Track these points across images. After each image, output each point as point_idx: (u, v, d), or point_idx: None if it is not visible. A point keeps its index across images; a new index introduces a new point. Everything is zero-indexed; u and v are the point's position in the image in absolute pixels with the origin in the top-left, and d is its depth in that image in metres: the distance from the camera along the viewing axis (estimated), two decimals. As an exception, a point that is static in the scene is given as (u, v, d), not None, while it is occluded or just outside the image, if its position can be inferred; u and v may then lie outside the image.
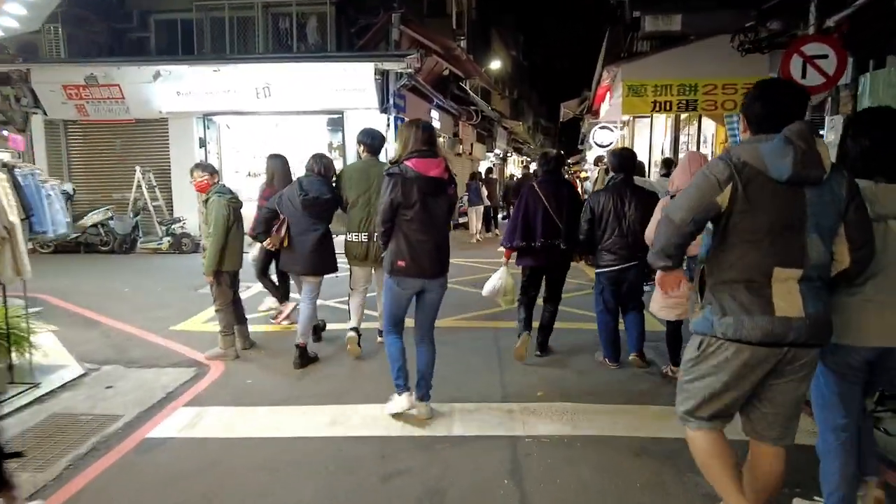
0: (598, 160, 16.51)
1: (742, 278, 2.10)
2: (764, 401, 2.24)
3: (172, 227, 11.72)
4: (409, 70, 11.15)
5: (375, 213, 3.76)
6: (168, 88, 11.60)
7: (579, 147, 33.24)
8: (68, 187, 11.67)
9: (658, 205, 3.93)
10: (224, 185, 5.15)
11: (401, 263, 3.44)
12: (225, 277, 4.91)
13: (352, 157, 11.73)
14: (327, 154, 5.69)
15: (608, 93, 11.37)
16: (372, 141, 4.79)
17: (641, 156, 9.20)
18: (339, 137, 11.78)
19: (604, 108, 12.70)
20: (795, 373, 2.16)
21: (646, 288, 5.13)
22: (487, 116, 20.40)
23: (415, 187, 3.37)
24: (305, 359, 4.70)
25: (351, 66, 10.98)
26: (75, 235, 11.64)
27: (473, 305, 6.79)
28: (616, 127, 11.62)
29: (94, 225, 11.73)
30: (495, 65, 23.77)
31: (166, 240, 11.68)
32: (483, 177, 15.39)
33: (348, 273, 5.05)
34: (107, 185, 12.65)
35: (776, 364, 2.13)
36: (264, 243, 4.94)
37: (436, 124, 15.26)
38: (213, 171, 5.16)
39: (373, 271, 4.92)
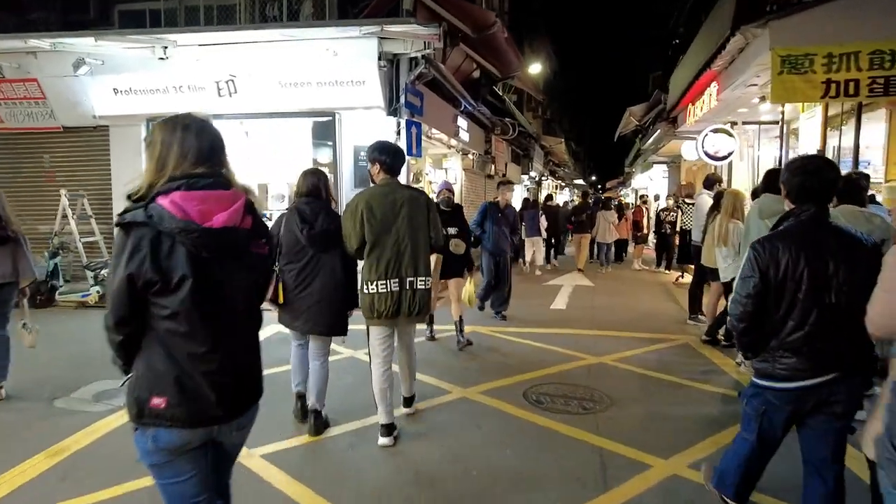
0: (681, 189, 12.97)
1: None
2: None
3: (104, 271, 8.54)
4: (429, 51, 7.90)
5: (408, 252, 3.57)
6: (102, 85, 8.55)
7: (626, 168, 29.75)
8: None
9: (888, 261, 1.96)
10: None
11: (157, 402, 1.77)
12: None
13: (347, 179, 8.43)
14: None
15: (713, 82, 7.90)
16: (391, 159, 3.77)
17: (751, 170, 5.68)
18: (328, 150, 8.51)
19: (696, 110, 9.19)
20: None
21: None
22: (525, 131, 17.06)
23: (181, 251, 1.70)
24: (321, 421, 3.91)
25: (344, 44, 7.75)
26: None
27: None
28: (736, 131, 8.12)
29: (-2, 269, 8.60)
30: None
31: (95, 290, 8.50)
32: (542, 204, 13.81)
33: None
34: (32, 215, 9.62)
35: None
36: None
37: (463, 136, 11.93)
38: None
39: (392, 332, 3.83)
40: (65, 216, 8.92)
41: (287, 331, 4.04)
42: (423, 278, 3.69)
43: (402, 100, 8.28)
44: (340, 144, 8.40)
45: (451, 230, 6.01)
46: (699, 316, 7.67)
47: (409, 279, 3.61)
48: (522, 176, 21.30)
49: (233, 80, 8.22)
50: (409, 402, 4.31)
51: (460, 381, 5.04)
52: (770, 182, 4.94)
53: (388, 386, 3.75)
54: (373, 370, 3.78)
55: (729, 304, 2.83)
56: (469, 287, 6.33)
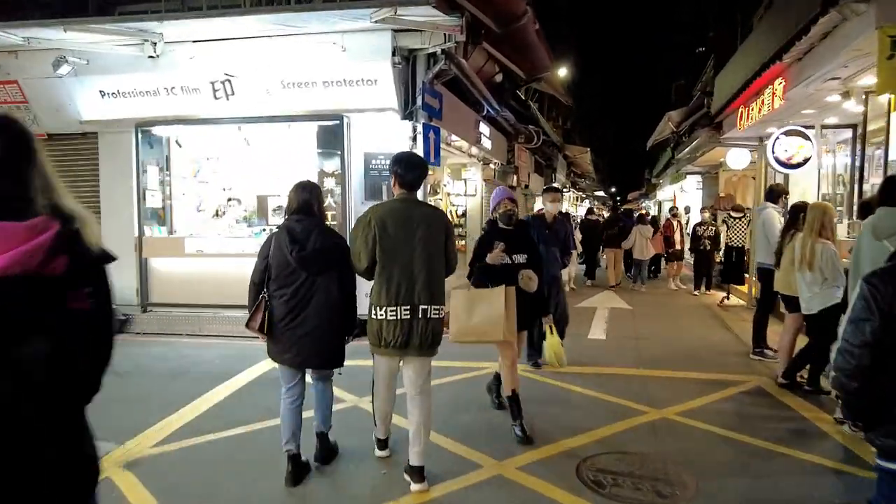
0: (721, 202, 11.88)
1: None
2: None
3: (86, 294, 7.64)
4: (450, 45, 6.94)
5: (422, 277, 3.26)
6: (87, 86, 7.72)
7: (653, 180, 28.53)
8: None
9: None
10: None
11: None
12: None
13: (356, 190, 7.48)
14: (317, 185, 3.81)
15: (778, 79, 6.82)
16: (408, 172, 3.41)
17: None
18: (335, 159, 7.55)
19: (751, 113, 8.10)
20: None
21: None
22: (549, 140, 16.03)
23: None
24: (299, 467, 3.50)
25: (354, 38, 6.82)
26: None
27: None
28: (815, 134, 6.98)
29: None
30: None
31: (76, 314, 7.59)
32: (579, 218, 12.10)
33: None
34: (16, 230, 8.79)
35: None
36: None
37: (486, 143, 10.94)
38: None
39: (400, 363, 3.46)
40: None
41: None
42: (438, 307, 3.38)
43: (419, 101, 7.33)
44: (349, 151, 7.44)
45: (518, 257, 4.23)
46: (765, 350, 6.54)
47: (422, 307, 3.29)
48: (542, 187, 20.28)
49: (230, 80, 7.33)
50: (419, 473, 3.38)
51: (492, 448, 3.96)
52: (890, 192, 3.89)
53: (390, 409, 3.67)
54: (375, 394, 3.62)
55: (834, 354, 1.95)
56: (554, 340, 4.69)
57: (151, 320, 7.78)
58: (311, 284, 3.41)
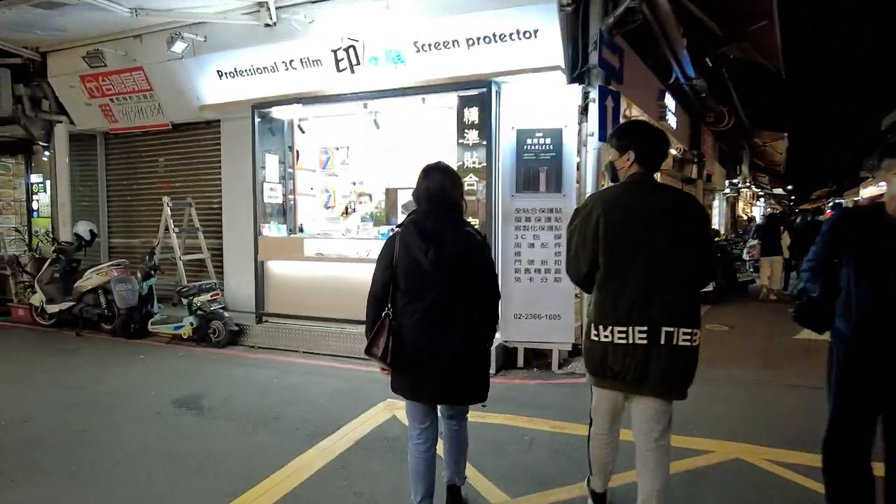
0: None
1: None
2: None
3: (199, 297, 6.79)
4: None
5: (666, 287, 2.42)
6: (205, 67, 6.88)
7: (865, 173, 23.05)
8: (82, 228, 7.73)
9: None
10: None
11: None
12: None
13: (507, 178, 5.72)
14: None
15: None
16: (647, 142, 2.62)
17: None
18: (477, 138, 5.82)
19: None
20: None
21: None
22: (740, 122, 12.99)
23: None
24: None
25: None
26: (69, 305, 7.39)
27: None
28: None
29: (94, 290, 7.32)
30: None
31: (189, 321, 6.78)
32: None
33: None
34: (150, 230, 8.39)
35: None
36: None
37: (670, 121, 8.61)
38: None
39: (624, 400, 2.66)
40: (167, 228, 7.43)
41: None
42: (689, 331, 2.43)
43: (594, 59, 5.39)
44: (496, 129, 5.70)
45: None
46: None
47: (665, 329, 2.41)
48: (725, 181, 17.01)
49: (353, 47, 5.97)
50: None
51: None
52: None
53: (613, 458, 2.83)
54: (592, 437, 2.83)
55: None
56: None
57: (265, 333, 6.72)
58: (451, 296, 2.65)
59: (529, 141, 5.55)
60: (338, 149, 7.53)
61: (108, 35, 7.16)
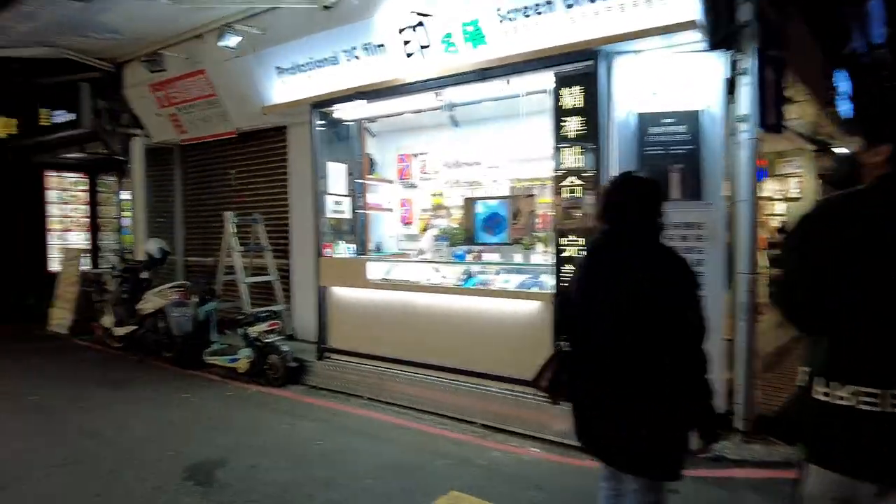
0: None
1: None
2: None
3: (255, 327, 5.92)
4: None
5: None
6: (264, 64, 6.07)
7: None
8: (152, 246, 7.26)
9: None
10: None
11: None
12: None
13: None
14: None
15: None
16: None
17: None
18: (580, 128, 4.36)
19: None
20: None
21: None
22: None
23: None
24: None
25: None
26: (133, 329, 6.89)
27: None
28: None
29: (154, 314, 6.73)
30: None
31: (245, 354, 5.93)
32: None
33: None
34: (220, 245, 7.80)
35: None
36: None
37: (842, 108, 6.57)
38: None
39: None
40: (231, 247, 6.71)
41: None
42: None
43: (745, 15, 3.79)
44: (607, 114, 4.21)
45: None
46: None
47: None
48: None
49: (423, 24, 4.81)
50: None
51: None
52: None
53: None
54: None
55: None
56: None
57: (326, 372, 5.69)
58: (620, 340, 2.08)
59: (654, 130, 4.02)
60: (416, 155, 6.42)
61: (167, 38, 6.62)
